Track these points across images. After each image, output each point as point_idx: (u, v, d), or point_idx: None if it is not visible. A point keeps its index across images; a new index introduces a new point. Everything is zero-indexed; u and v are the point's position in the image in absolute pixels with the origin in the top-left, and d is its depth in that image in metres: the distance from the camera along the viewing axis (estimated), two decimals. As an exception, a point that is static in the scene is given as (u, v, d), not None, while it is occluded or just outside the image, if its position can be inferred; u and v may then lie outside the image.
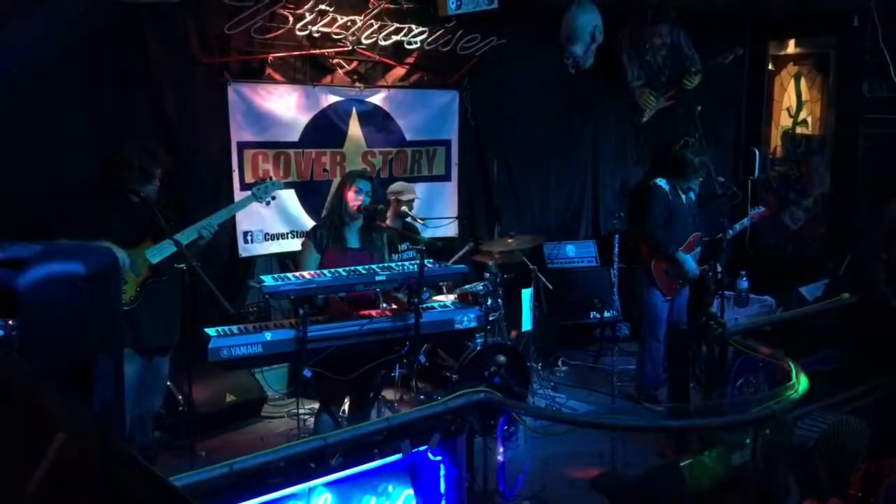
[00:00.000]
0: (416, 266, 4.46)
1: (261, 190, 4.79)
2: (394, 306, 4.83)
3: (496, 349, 5.58)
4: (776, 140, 8.25)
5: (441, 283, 5.87)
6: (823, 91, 7.77)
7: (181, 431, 5.08)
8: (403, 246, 5.86)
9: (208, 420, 5.40)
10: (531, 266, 6.23)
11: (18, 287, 2.05)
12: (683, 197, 6.10)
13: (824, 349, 5.20)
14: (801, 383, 3.88)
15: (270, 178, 5.07)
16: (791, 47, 8.08)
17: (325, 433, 3.52)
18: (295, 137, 6.23)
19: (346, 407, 5.04)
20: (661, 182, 6.06)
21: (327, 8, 5.94)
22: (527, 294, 6.27)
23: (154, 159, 4.43)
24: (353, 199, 4.66)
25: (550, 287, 6.40)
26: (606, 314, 7.01)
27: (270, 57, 6.00)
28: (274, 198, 4.89)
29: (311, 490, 3.24)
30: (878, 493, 4.30)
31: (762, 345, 4.60)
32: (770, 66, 8.23)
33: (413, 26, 6.39)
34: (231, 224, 5.88)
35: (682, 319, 6.21)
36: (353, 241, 4.75)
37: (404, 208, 5.86)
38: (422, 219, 5.99)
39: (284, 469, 3.11)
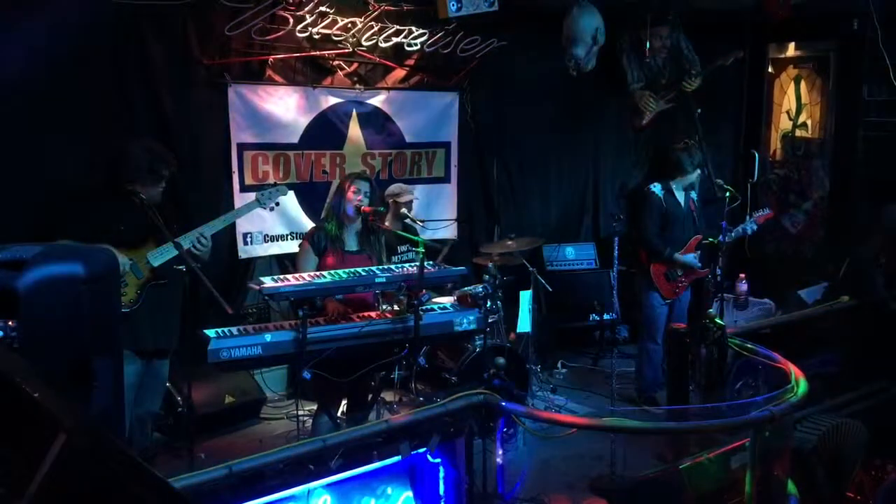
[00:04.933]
0: (415, 268, 4.46)
1: (265, 196, 4.79)
2: (394, 308, 4.83)
3: (495, 351, 5.58)
4: (776, 143, 8.26)
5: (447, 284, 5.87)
6: (823, 94, 7.78)
7: (180, 433, 5.08)
8: (402, 248, 5.87)
9: (207, 421, 5.40)
10: (531, 268, 6.23)
11: (18, 288, 2.05)
12: (682, 199, 6.10)
13: (823, 352, 5.20)
14: (800, 386, 3.88)
15: (275, 184, 5.06)
16: (791, 50, 8.09)
17: (325, 435, 3.52)
18: (295, 139, 6.23)
19: (344, 408, 5.04)
20: (655, 188, 6.07)
21: (328, 10, 5.94)
22: (526, 296, 6.27)
23: (160, 160, 4.43)
24: (352, 200, 4.67)
25: (550, 289, 6.40)
26: (606, 316, 7.01)
27: (271, 58, 6.01)
28: (278, 203, 4.88)
29: (310, 492, 3.24)
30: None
31: (761, 347, 4.60)
32: (770, 69, 8.24)
33: (413, 28, 6.39)
34: (231, 226, 5.88)
35: (683, 322, 6.21)
36: (352, 244, 4.76)
37: (403, 210, 5.87)
38: (421, 221, 6.00)
39: (283, 470, 3.11)
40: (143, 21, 5.35)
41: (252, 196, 5.05)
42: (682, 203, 6.11)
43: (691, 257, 6.07)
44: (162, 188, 4.46)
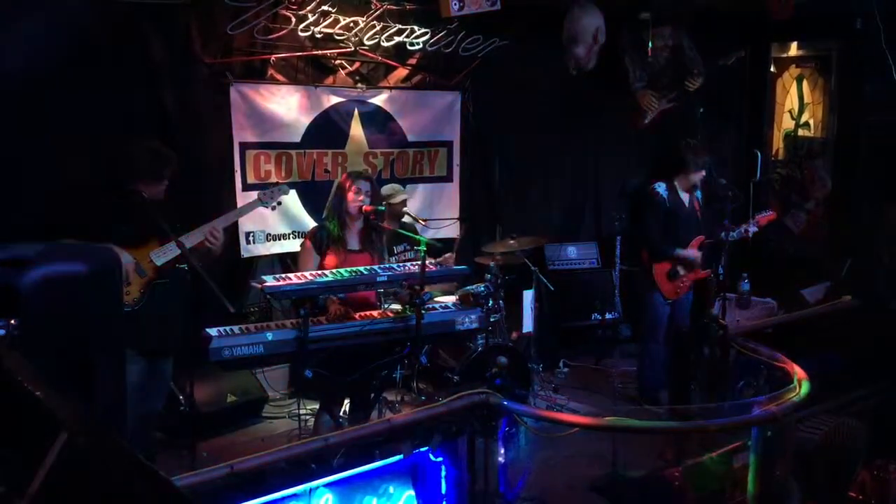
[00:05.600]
0: (416, 267, 4.46)
1: (267, 195, 4.79)
2: (395, 307, 4.83)
3: (497, 350, 5.58)
4: (778, 142, 8.25)
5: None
6: (826, 93, 7.77)
7: (182, 432, 5.07)
8: (400, 247, 5.87)
9: (209, 420, 5.41)
10: (532, 267, 6.22)
11: (20, 287, 2.05)
12: (686, 199, 6.09)
13: (825, 352, 5.19)
14: (802, 386, 3.87)
15: (277, 183, 5.06)
16: (793, 49, 8.08)
17: (326, 434, 3.52)
18: (297, 138, 6.24)
19: (346, 407, 5.04)
20: (660, 187, 6.05)
21: (330, 9, 5.94)
22: (528, 295, 6.27)
23: (163, 159, 4.43)
24: (354, 200, 4.67)
25: (552, 288, 6.39)
26: (608, 316, 7.00)
27: (273, 58, 6.01)
28: (280, 202, 4.89)
29: (311, 491, 3.24)
30: (880, 495, 4.29)
31: (763, 347, 4.59)
32: (772, 69, 8.23)
33: (415, 27, 6.39)
34: (233, 225, 5.88)
35: (685, 323, 6.20)
36: (353, 243, 4.76)
37: (405, 210, 5.87)
38: (423, 220, 6.00)
39: (285, 470, 3.11)
40: (145, 20, 5.36)
41: (254, 195, 5.06)
42: (686, 203, 6.10)
43: (692, 252, 6.04)
44: (164, 187, 4.46)
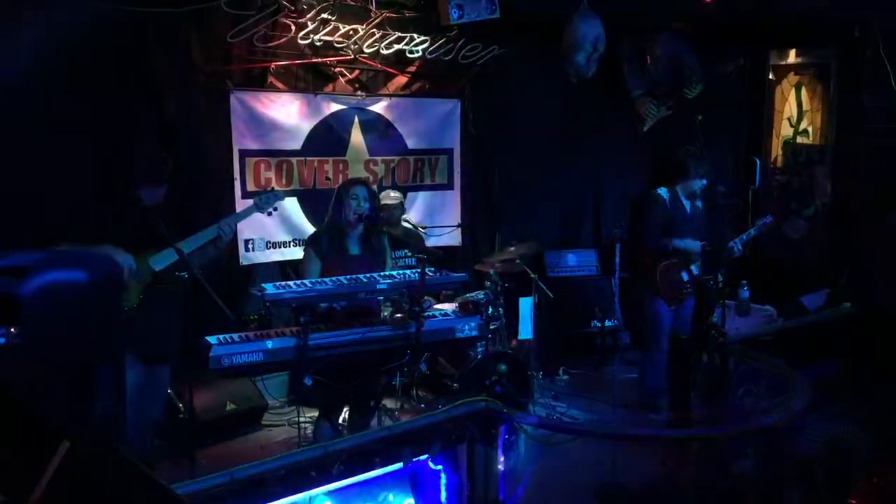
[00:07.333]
0: (416, 274, 4.47)
1: (262, 200, 4.80)
2: (396, 315, 4.83)
3: (497, 358, 5.58)
4: (777, 150, 8.27)
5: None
6: (824, 101, 7.79)
7: (181, 439, 5.06)
8: (400, 253, 5.87)
9: (208, 428, 5.39)
10: (532, 275, 6.22)
11: (21, 295, 2.06)
12: (688, 205, 6.08)
13: (825, 359, 5.19)
14: (802, 393, 3.88)
15: (272, 189, 5.07)
16: (792, 57, 8.10)
17: (326, 442, 3.52)
18: (297, 146, 6.24)
19: (346, 415, 5.04)
20: (662, 191, 6.05)
21: (329, 17, 5.95)
22: (527, 303, 6.26)
23: (161, 163, 4.44)
24: (351, 206, 4.68)
25: (551, 296, 6.39)
26: (607, 323, 7.00)
27: (273, 65, 6.02)
28: (276, 208, 4.90)
29: (311, 499, 3.25)
30: (880, 502, 4.30)
31: (763, 354, 4.60)
32: (771, 76, 8.25)
33: (415, 35, 6.40)
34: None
35: (686, 329, 6.18)
36: (354, 249, 4.77)
37: (405, 216, 5.87)
38: (423, 227, 6.00)
39: (285, 477, 3.11)
40: (145, 28, 5.36)
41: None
42: (688, 208, 6.08)
43: (690, 242, 6.00)
44: (164, 189, 4.47)
